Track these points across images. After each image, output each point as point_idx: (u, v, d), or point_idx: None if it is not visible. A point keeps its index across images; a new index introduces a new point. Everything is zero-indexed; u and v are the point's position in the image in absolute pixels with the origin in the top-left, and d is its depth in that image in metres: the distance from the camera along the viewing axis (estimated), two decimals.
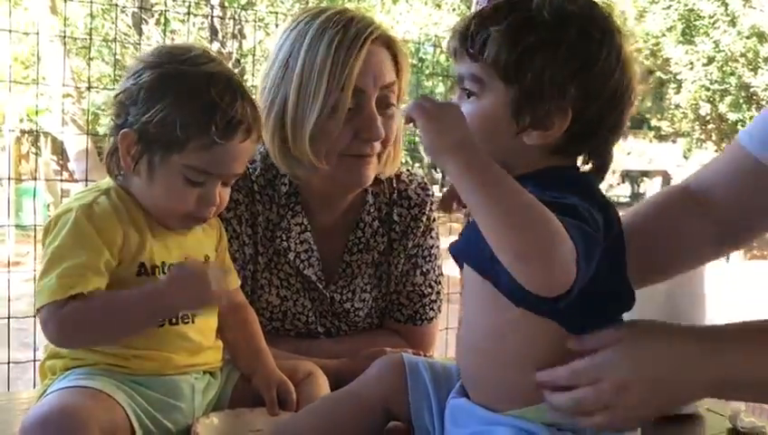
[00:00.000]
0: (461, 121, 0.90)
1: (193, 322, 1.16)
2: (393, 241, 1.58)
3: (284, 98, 1.38)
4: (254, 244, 1.50)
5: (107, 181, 1.16)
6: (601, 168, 1.03)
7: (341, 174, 1.43)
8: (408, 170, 1.64)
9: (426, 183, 1.63)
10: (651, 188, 13.52)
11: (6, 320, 3.12)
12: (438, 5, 12.47)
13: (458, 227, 2.80)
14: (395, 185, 1.59)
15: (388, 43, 1.42)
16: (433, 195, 1.63)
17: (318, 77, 1.35)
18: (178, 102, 1.07)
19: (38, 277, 1.06)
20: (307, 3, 12.31)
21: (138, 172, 1.12)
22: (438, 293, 1.62)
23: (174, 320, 1.13)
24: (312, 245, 1.51)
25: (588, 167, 1.03)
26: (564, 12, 0.97)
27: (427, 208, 1.60)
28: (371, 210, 1.56)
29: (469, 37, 1.00)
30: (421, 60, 8.54)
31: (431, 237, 1.61)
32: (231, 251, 1.38)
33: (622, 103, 0.99)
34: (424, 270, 1.60)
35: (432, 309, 1.61)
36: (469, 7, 12.60)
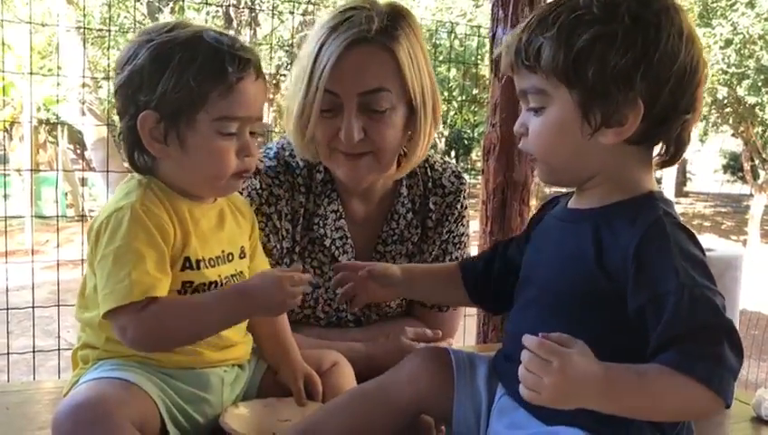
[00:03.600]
0: (582, 376, 0.84)
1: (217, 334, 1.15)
2: (428, 230, 1.59)
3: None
4: (293, 236, 1.52)
5: (138, 176, 1.15)
6: (677, 153, 1.02)
7: (335, 169, 1.45)
8: (441, 158, 1.65)
9: (459, 171, 1.64)
10: (667, 172, 13.39)
11: (28, 308, 3.15)
12: None
13: (476, 214, 2.80)
14: (429, 174, 1.60)
15: (389, 46, 1.38)
16: (466, 182, 1.65)
17: (302, 75, 1.38)
18: (185, 61, 1.07)
19: (103, 280, 1.04)
20: None
21: (168, 153, 1.11)
22: None
23: None
24: (347, 232, 1.53)
25: (660, 151, 1.02)
26: (614, 2, 0.94)
27: (462, 196, 1.62)
28: (405, 202, 1.57)
29: (522, 50, 0.97)
30: (435, 46, 8.47)
31: (462, 225, 1.62)
32: (269, 246, 1.42)
33: (694, 82, 0.96)
34: (453, 257, 1.61)
35: None
36: None
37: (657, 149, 1.03)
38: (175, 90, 1.06)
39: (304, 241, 1.53)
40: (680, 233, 0.93)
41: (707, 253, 1.36)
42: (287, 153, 1.53)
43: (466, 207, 1.64)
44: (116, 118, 1.17)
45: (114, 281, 1.03)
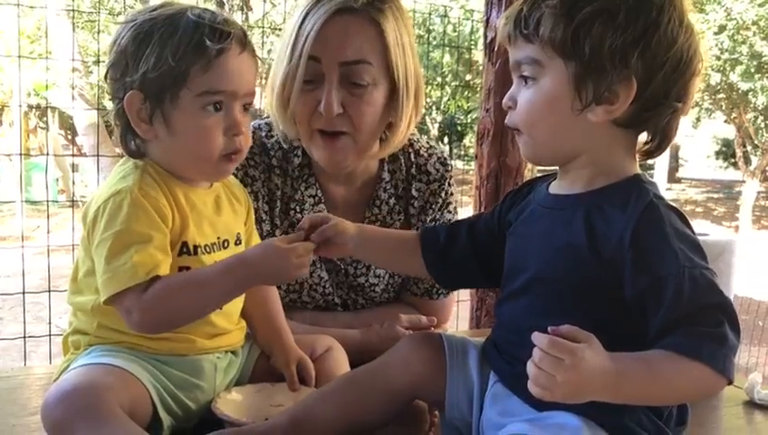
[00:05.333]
0: (594, 371, 0.82)
1: (220, 308, 1.14)
2: (411, 217, 1.57)
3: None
4: (271, 219, 1.50)
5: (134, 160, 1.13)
6: (662, 143, 1.01)
7: (313, 151, 1.43)
8: (428, 143, 1.63)
9: (445, 158, 1.61)
10: (659, 158, 13.38)
11: (19, 294, 3.14)
12: None
13: (470, 200, 2.80)
14: (413, 159, 1.58)
15: (375, 18, 1.36)
16: (452, 169, 1.62)
17: (286, 44, 1.38)
18: (165, 37, 1.05)
19: (102, 264, 1.02)
20: None
21: (156, 133, 1.09)
22: None
23: None
24: None
25: (646, 139, 1.01)
26: None
27: (447, 183, 1.59)
28: (387, 187, 1.55)
29: (522, 19, 0.97)
30: (429, 31, 8.44)
31: (448, 211, 1.61)
32: None
33: (689, 71, 0.96)
34: None
35: None
36: None
37: (642, 138, 1.02)
38: (155, 67, 1.04)
39: (284, 225, 1.51)
40: (672, 215, 0.93)
41: (701, 238, 1.37)
42: (263, 134, 1.52)
43: (452, 194, 1.62)
44: (107, 103, 1.15)
45: (116, 265, 1.01)
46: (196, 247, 1.10)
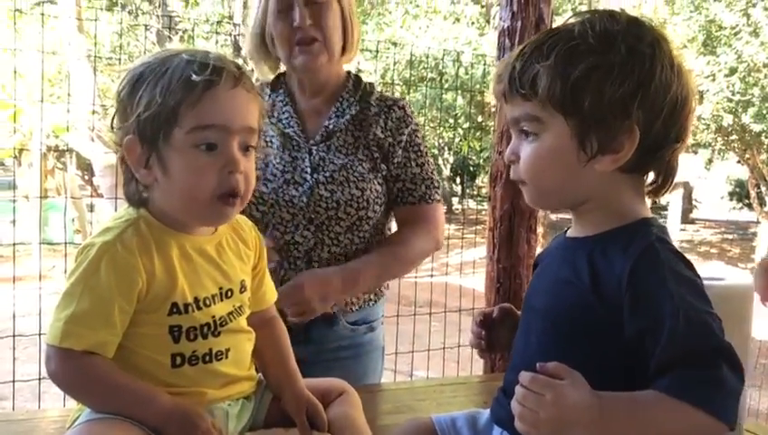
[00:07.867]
0: (576, 407, 0.84)
1: (227, 357, 1.13)
2: (365, 111, 1.78)
3: None
4: None
5: (132, 210, 1.11)
6: (667, 180, 1.03)
7: (296, 62, 1.71)
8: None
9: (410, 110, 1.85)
10: (673, 199, 13.35)
11: (34, 335, 3.14)
12: (458, 20, 12.49)
13: (483, 240, 2.79)
14: (375, 91, 1.83)
15: None
16: (409, 107, 1.84)
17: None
18: (155, 79, 1.03)
19: (55, 307, 1.03)
20: None
21: (155, 177, 1.06)
22: (435, 181, 1.84)
23: (208, 358, 1.11)
24: (293, 114, 1.78)
25: (653, 179, 1.03)
26: (609, 33, 0.95)
27: (402, 102, 1.82)
28: (349, 91, 1.81)
29: (516, 78, 0.98)
30: (441, 74, 8.56)
31: (417, 137, 1.82)
32: None
33: (685, 111, 0.98)
34: (419, 163, 1.81)
35: (436, 192, 1.83)
36: (488, 21, 12.61)
37: (649, 178, 1.04)
38: (147, 109, 1.03)
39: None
40: (673, 257, 0.93)
41: (717, 282, 1.36)
42: None
43: (415, 123, 1.82)
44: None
45: (55, 316, 1.03)
46: (187, 306, 1.08)
